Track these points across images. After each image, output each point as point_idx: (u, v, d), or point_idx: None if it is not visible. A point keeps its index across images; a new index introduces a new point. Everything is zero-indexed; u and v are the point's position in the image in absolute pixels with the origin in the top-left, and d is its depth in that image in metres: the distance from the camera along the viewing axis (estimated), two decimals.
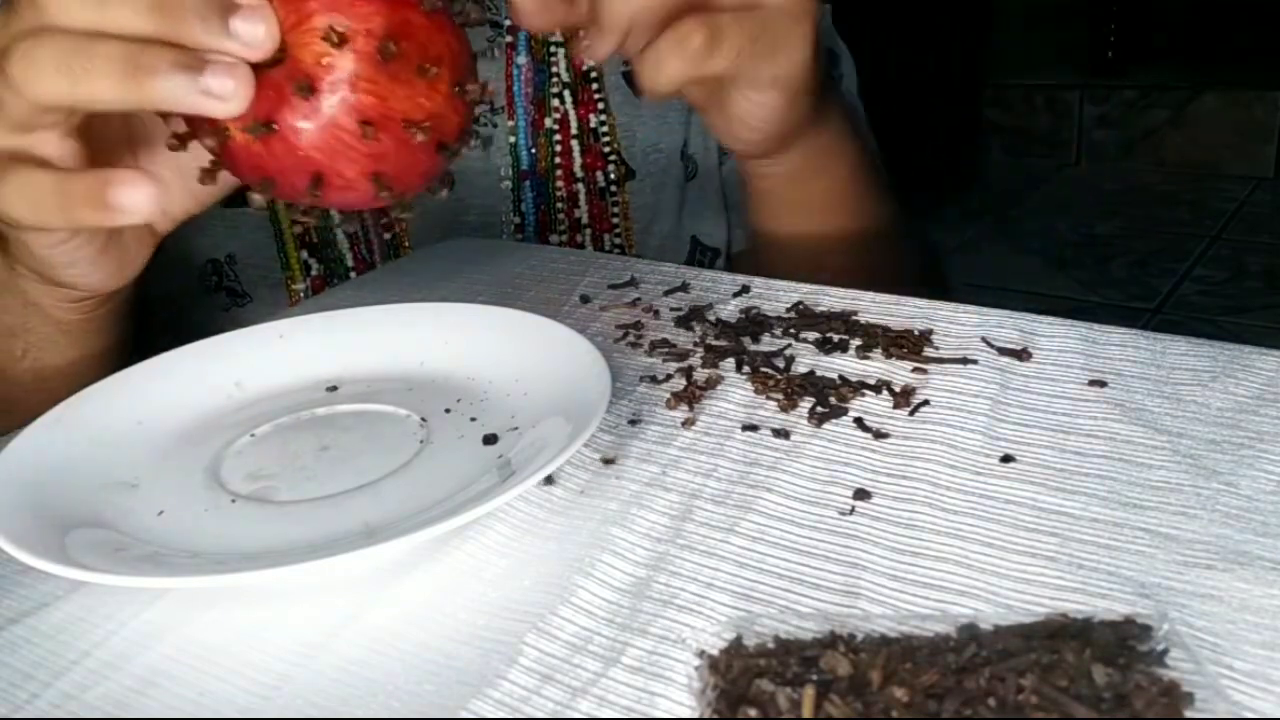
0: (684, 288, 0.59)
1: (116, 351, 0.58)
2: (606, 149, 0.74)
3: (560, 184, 0.74)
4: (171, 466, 0.44)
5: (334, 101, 0.38)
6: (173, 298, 0.72)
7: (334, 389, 0.49)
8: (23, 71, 0.39)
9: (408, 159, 0.41)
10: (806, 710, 0.28)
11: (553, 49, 0.73)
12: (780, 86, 0.52)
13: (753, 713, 0.28)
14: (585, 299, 0.58)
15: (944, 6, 2.71)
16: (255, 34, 0.38)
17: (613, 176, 0.75)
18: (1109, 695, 0.28)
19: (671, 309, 0.56)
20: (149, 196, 0.40)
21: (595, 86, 0.74)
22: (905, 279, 0.59)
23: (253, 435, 0.46)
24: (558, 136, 0.74)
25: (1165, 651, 0.30)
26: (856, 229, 0.66)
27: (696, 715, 0.30)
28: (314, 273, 0.72)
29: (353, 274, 0.72)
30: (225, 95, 0.38)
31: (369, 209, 0.44)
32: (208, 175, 0.42)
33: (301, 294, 0.72)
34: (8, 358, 0.56)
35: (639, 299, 0.58)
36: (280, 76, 0.39)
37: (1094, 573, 0.35)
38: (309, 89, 0.38)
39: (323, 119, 0.39)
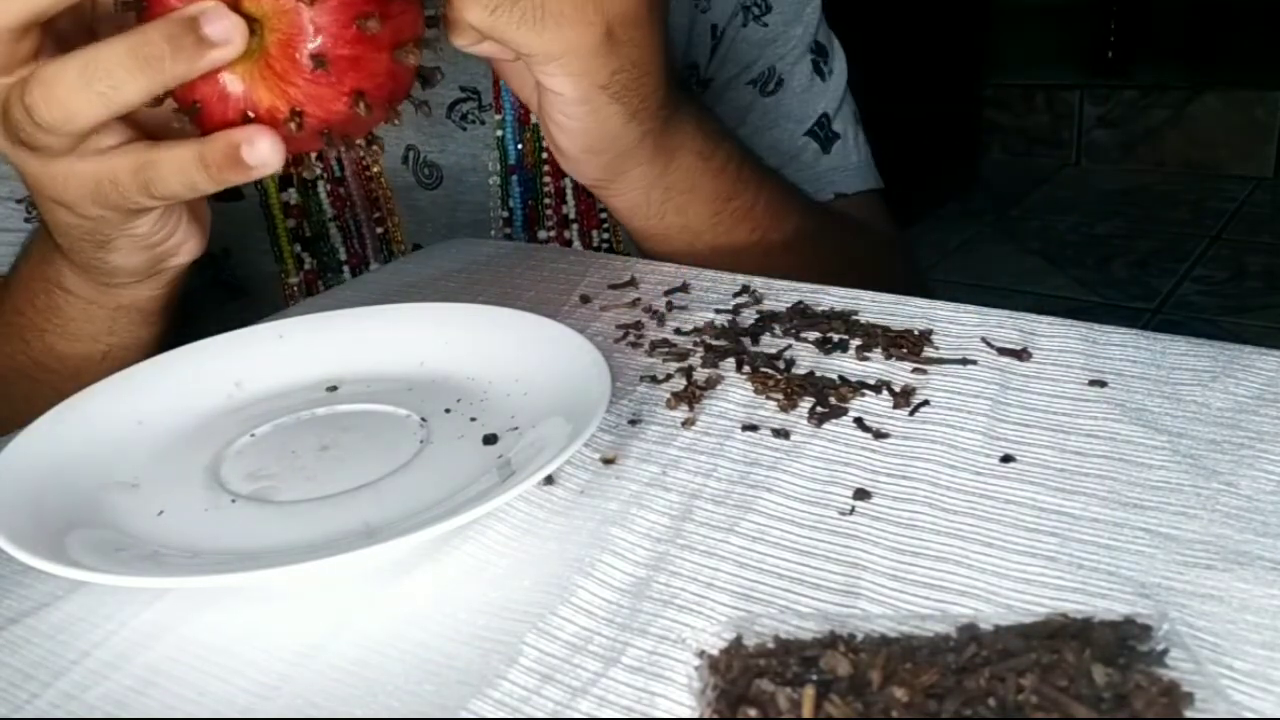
0: (684, 288, 0.59)
1: (176, 319, 0.60)
2: None
3: (548, 179, 0.74)
4: (171, 466, 0.44)
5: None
6: (168, 293, 0.72)
7: (334, 389, 0.49)
8: (50, 110, 0.42)
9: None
10: (806, 710, 0.28)
11: None
12: (567, 73, 0.51)
13: (753, 713, 0.28)
14: (585, 299, 0.58)
15: (944, 6, 2.71)
16: (225, 30, 0.41)
17: None
18: (1109, 695, 0.28)
19: (675, 306, 0.56)
20: (274, 146, 0.43)
21: None
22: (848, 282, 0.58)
23: (253, 435, 0.46)
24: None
25: (1165, 651, 0.30)
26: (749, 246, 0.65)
27: (696, 715, 0.30)
28: (307, 267, 0.72)
29: (345, 268, 0.72)
30: (225, 38, 0.41)
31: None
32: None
33: (295, 288, 0.72)
34: (85, 361, 0.57)
35: (639, 299, 0.58)
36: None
37: (1094, 573, 0.35)
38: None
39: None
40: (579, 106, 0.53)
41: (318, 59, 0.42)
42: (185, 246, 0.53)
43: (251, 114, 0.43)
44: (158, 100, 0.43)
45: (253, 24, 0.42)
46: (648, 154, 0.58)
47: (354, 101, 0.44)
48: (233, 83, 0.43)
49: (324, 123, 0.44)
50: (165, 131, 0.46)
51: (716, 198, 0.63)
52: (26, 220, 0.64)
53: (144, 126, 0.47)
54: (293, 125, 0.43)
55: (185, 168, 0.44)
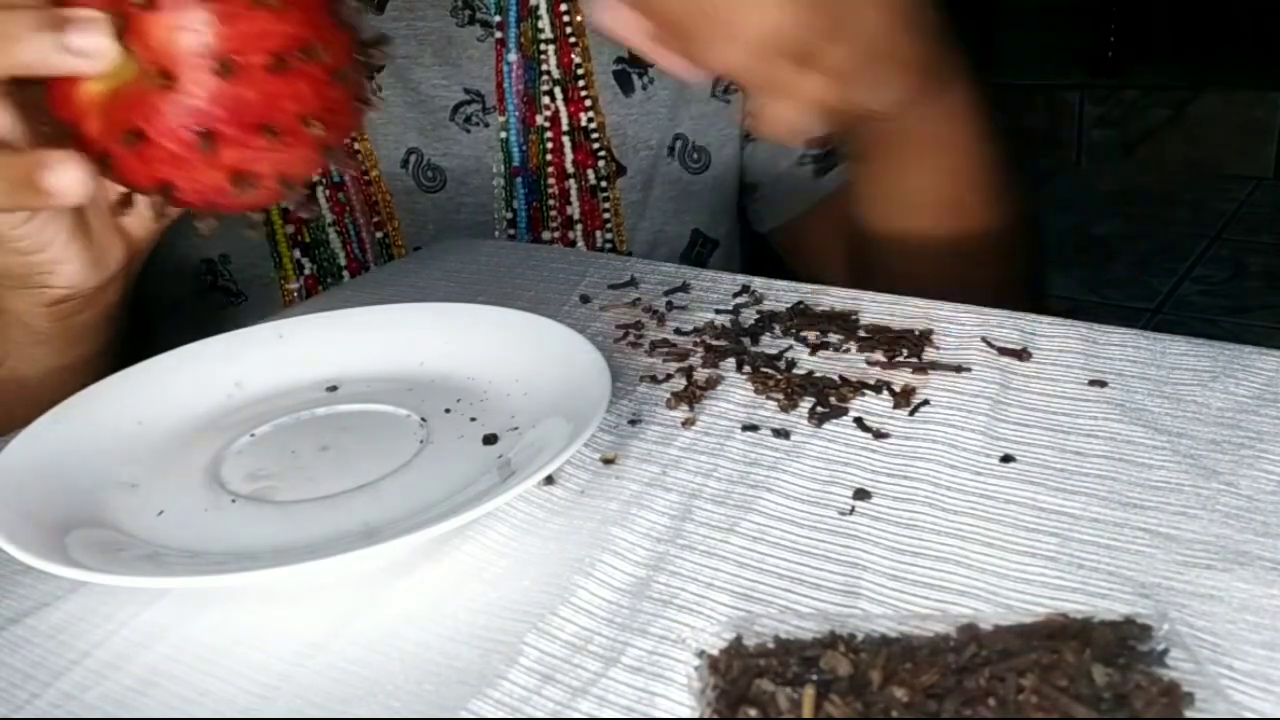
0: (684, 288, 0.59)
1: (100, 360, 0.57)
2: (596, 146, 0.75)
3: (552, 181, 0.74)
4: (171, 466, 0.44)
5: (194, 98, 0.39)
6: (168, 298, 0.72)
7: (334, 389, 0.49)
8: None
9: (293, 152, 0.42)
10: (806, 710, 0.28)
11: (543, 46, 0.73)
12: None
13: (753, 713, 0.28)
14: (585, 299, 0.58)
15: (944, 6, 2.71)
16: (95, 44, 0.39)
17: (603, 173, 0.75)
18: (1109, 695, 0.28)
19: (675, 306, 0.56)
20: (78, 179, 0.41)
21: (583, 84, 0.74)
22: (1010, 298, 0.55)
23: (253, 435, 0.46)
24: (549, 134, 0.74)
25: (1165, 651, 0.30)
26: (969, 234, 0.62)
27: (696, 715, 0.30)
28: (307, 272, 0.72)
29: (345, 273, 0.72)
30: (91, 51, 0.39)
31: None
32: (120, 207, 0.45)
33: (295, 293, 0.72)
34: None
35: (639, 299, 0.58)
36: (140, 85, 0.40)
37: (1094, 573, 0.35)
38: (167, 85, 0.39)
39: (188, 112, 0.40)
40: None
41: (134, 134, 0.40)
42: (63, 270, 0.49)
43: (75, 129, 0.41)
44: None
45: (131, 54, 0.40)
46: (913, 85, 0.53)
47: (158, 189, 0.41)
48: (86, 89, 0.40)
49: (133, 183, 0.42)
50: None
51: (981, 150, 0.60)
52: None
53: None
54: (99, 169, 0.41)
55: None
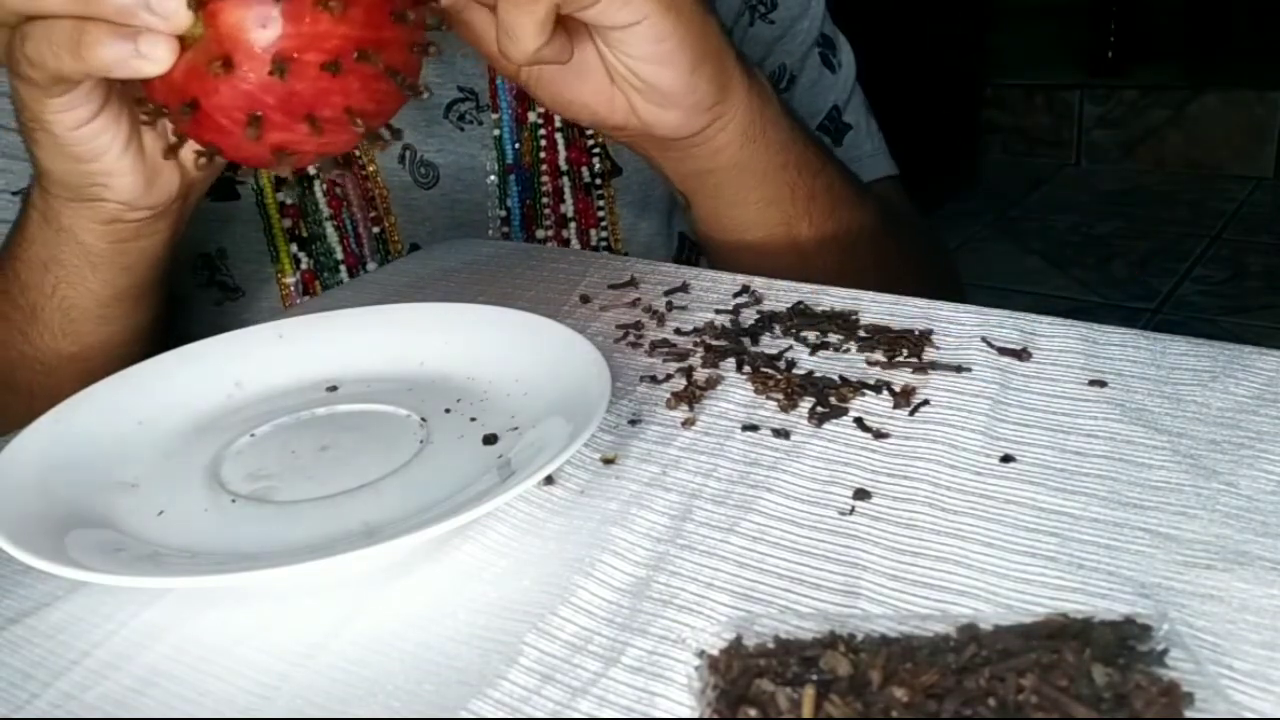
0: (684, 288, 0.59)
1: (147, 298, 0.59)
2: (590, 143, 0.75)
3: (545, 178, 0.74)
4: (171, 466, 0.44)
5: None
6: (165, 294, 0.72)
7: (334, 389, 0.49)
8: (30, 52, 0.44)
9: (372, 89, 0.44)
10: (806, 710, 0.28)
11: None
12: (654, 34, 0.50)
13: (753, 713, 0.28)
14: (585, 299, 0.58)
15: (944, 6, 2.71)
16: (171, 6, 0.41)
17: (598, 170, 0.75)
18: (1109, 695, 0.28)
19: (675, 307, 0.56)
20: (166, 45, 0.42)
21: None
22: (899, 282, 0.58)
23: (253, 435, 0.46)
24: (542, 131, 0.74)
25: (1165, 651, 0.30)
26: (813, 235, 0.64)
27: (696, 715, 0.30)
28: (304, 267, 0.72)
29: (342, 267, 0.72)
30: (155, 58, 0.42)
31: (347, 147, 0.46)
32: (171, 151, 0.47)
33: (292, 287, 0.72)
34: (39, 293, 0.57)
35: (639, 299, 0.58)
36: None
37: (1094, 573, 0.35)
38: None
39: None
40: (666, 20, 0.51)
41: (190, 106, 0.42)
42: (116, 183, 0.50)
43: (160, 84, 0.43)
44: None
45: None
46: (735, 60, 0.56)
47: (274, 154, 0.44)
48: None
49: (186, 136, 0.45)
50: None
51: (781, 151, 0.61)
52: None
53: None
54: (155, 116, 0.44)
55: (62, 35, 0.43)
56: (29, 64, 0.45)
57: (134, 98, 0.46)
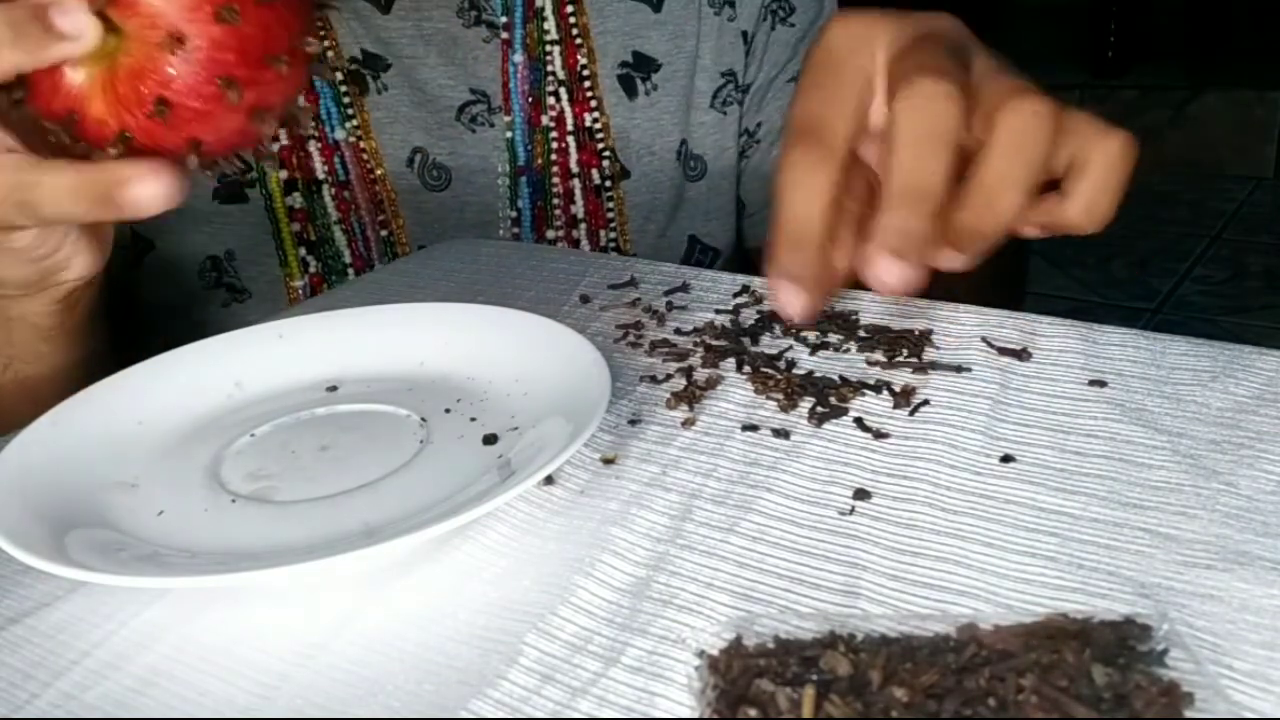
0: (684, 288, 0.59)
1: (100, 357, 0.57)
2: (601, 146, 0.75)
3: (556, 180, 0.75)
4: (171, 466, 0.44)
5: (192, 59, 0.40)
6: (173, 295, 0.72)
7: (334, 389, 0.49)
8: None
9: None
10: (806, 710, 0.28)
11: (548, 48, 0.73)
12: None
13: (753, 713, 0.28)
14: (585, 299, 0.58)
15: (944, 7, 2.71)
16: (78, 25, 0.39)
17: (608, 173, 0.75)
18: (1109, 695, 0.28)
19: (675, 307, 0.56)
20: (161, 190, 0.41)
21: (588, 85, 0.74)
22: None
23: (253, 435, 0.46)
24: (554, 134, 0.74)
25: (1165, 651, 0.30)
26: None
27: (696, 715, 0.30)
28: (312, 270, 0.72)
29: (350, 270, 0.73)
30: (75, 33, 0.39)
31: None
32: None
33: (300, 291, 0.72)
34: None
35: (639, 299, 0.58)
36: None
37: (1094, 573, 0.35)
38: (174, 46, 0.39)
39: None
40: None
41: (161, 103, 0.40)
42: (75, 261, 0.50)
43: (77, 116, 0.41)
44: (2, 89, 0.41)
45: (113, 29, 0.39)
46: None
47: (189, 148, 0.41)
48: (74, 76, 0.40)
49: (152, 151, 0.42)
50: (53, 146, 0.43)
51: None
52: None
53: (31, 139, 0.44)
54: (116, 149, 0.41)
55: (60, 197, 0.42)
56: None
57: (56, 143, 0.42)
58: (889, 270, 0.40)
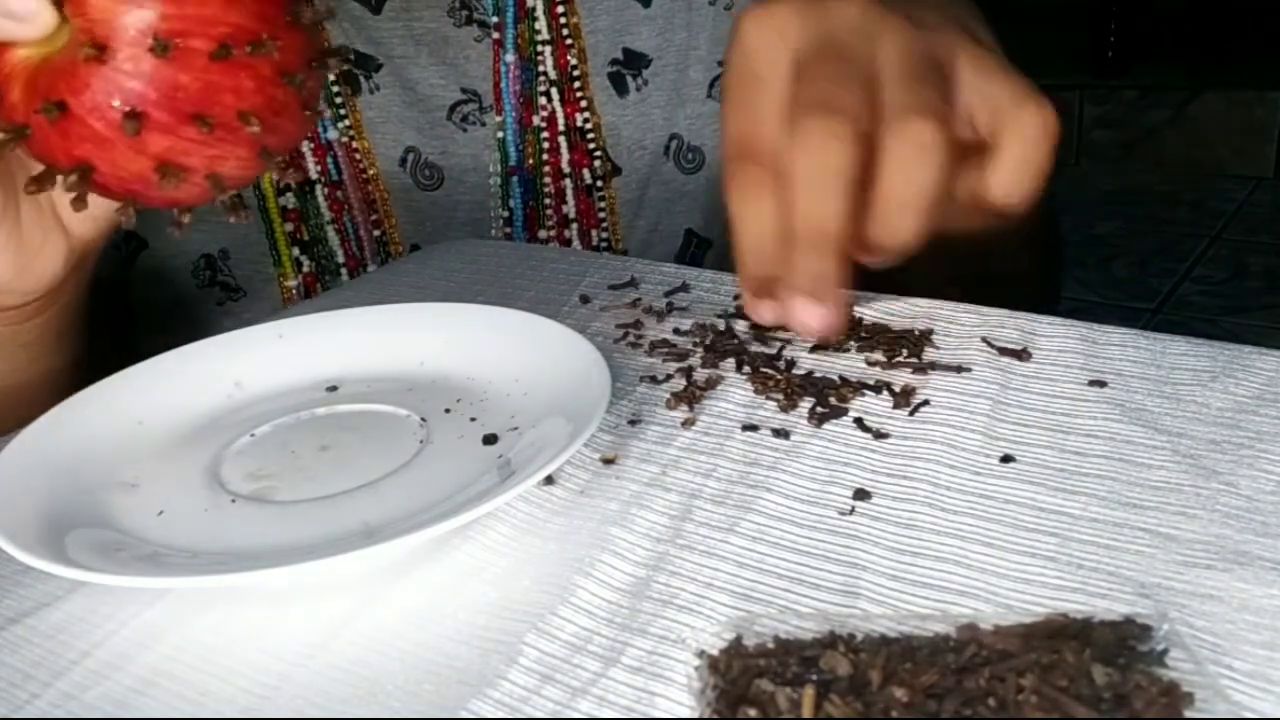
0: (684, 288, 0.59)
1: (65, 374, 0.56)
2: (592, 146, 0.75)
3: (548, 180, 0.75)
4: (171, 466, 0.44)
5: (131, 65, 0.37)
6: (167, 293, 0.72)
7: (334, 389, 0.49)
8: None
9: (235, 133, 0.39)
10: (806, 710, 0.28)
11: (539, 47, 0.74)
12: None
13: (753, 713, 0.28)
14: (585, 299, 0.58)
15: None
16: (27, 7, 0.36)
17: (599, 172, 0.75)
18: (1109, 695, 0.28)
19: (675, 307, 0.56)
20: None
21: (579, 86, 0.74)
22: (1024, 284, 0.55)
23: (253, 435, 0.46)
24: (545, 134, 0.74)
25: (1165, 651, 0.30)
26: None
27: (696, 715, 0.30)
28: (305, 269, 0.72)
29: (343, 270, 0.73)
30: (23, 14, 0.36)
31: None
32: (35, 184, 0.40)
33: (294, 290, 0.72)
34: None
35: (639, 299, 0.58)
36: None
37: (1094, 573, 0.35)
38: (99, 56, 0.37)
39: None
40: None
41: (58, 107, 0.37)
42: None
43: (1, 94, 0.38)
44: None
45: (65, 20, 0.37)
46: None
47: (76, 169, 0.38)
48: (15, 55, 0.38)
49: (51, 161, 0.39)
50: None
51: None
52: None
53: None
54: (6, 138, 0.38)
55: None
56: None
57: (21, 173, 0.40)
58: (807, 313, 0.41)
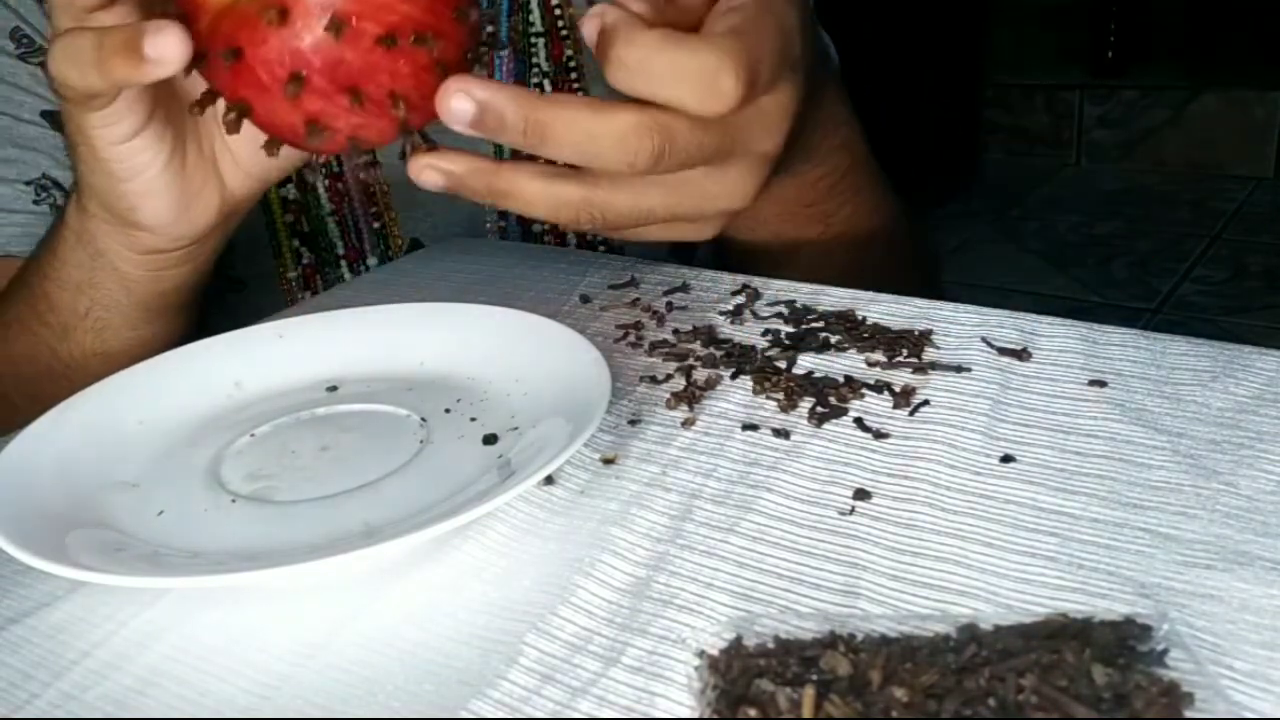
0: (684, 288, 0.59)
1: (180, 338, 0.58)
2: None
3: None
4: (171, 466, 0.44)
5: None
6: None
7: (334, 389, 0.49)
8: (56, 70, 0.43)
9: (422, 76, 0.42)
10: (806, 710, 0.28)
11: (533, 40, 0.73)
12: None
13: (753, 713, 0.28)
14: (585, 299, 0.58)
15: (944, 6, 2.71)
16: (169, 49, 0.40)
17: None
18: (1109, 695, 0.28)
19: (675, 307, 0.56)
20: (178, 42, 0.41)
21: (574, 77, 0.74)
22: (903, 283, 0.58)
23: (253, 435, 0.46)
24: None
25: (1165, 651, 0.30)
26: (855, 229, 0.65)
27: (696, 715, 0.30)
28: (305, 261, 0.72)
29: (343, 262, 0.73)
30: (166, 58, 0.40)
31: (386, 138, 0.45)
32: (198, 105, 0.43)
33: (293, 282, 0.72)
34: (71, 314, 0.56)
35: (639, 299, 0.58)
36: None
37: (1094, 573, 0.35)
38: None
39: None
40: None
41: (233, 53, 0.40)
42: (149, 204, 0.49)
43: (186, 18, 0.41)
44: None
45: None
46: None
47: (233, 103, 0.42)
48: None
49: (217, 90, 0.42)
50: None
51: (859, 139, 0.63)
52: (35, 203, 0.64)
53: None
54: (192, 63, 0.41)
55: (82, 52, 0.42)
56: (59, 82, 0.44)
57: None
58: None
